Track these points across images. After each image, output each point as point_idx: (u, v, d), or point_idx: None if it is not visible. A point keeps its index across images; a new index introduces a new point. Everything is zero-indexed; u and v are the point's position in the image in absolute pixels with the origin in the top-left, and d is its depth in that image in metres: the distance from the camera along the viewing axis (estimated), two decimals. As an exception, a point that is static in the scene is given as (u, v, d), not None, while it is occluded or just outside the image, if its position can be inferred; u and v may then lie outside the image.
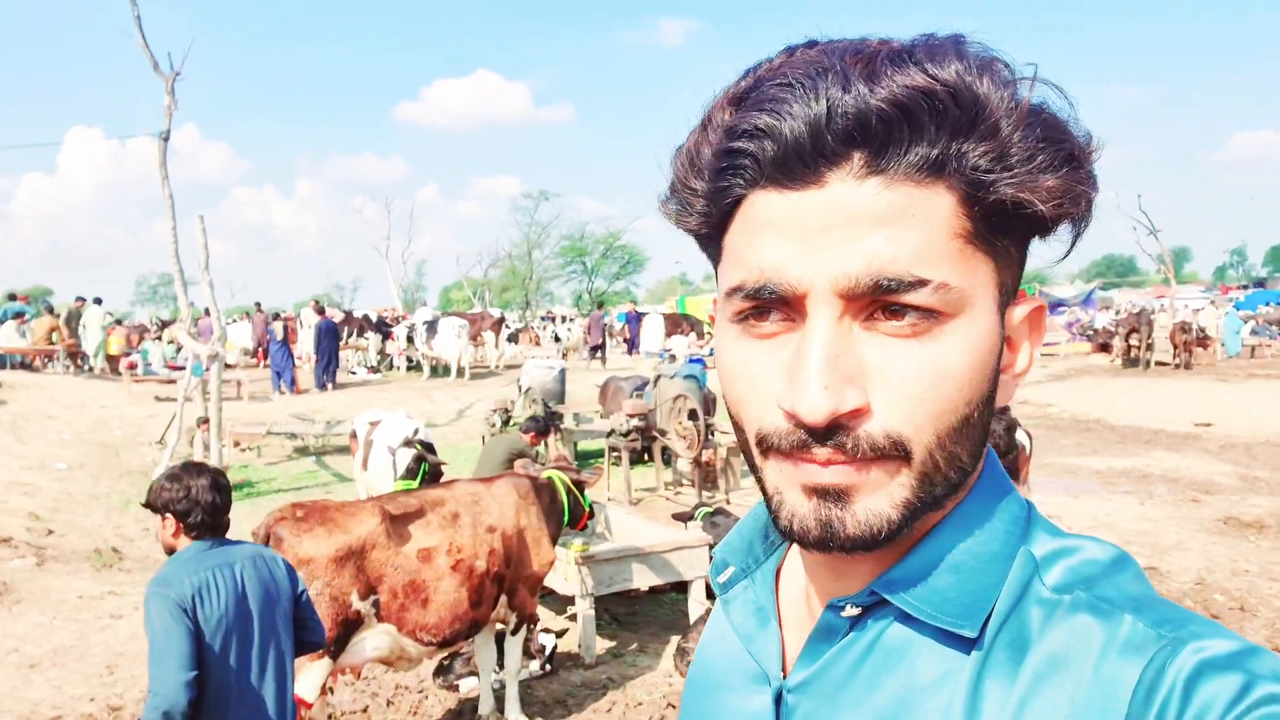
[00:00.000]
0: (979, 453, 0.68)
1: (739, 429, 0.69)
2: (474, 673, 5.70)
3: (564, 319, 36.70)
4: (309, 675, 4.32)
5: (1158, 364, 23.61)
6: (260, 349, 23.32)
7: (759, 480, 0.69)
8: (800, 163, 0.61)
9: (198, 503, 3.07)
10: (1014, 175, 0.60)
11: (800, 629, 0.76)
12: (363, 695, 5.76)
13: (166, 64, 12.59)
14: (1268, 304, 33.78)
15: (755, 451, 0.67)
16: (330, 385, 19.66)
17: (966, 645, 0.65)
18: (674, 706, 5.47)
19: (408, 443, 7.20)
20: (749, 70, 0.66)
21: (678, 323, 27.69)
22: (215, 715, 2.97)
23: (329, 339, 19.73)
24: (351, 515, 4.54)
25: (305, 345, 19.90)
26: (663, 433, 11.10)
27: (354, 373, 22.90)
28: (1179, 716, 0.55)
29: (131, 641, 6.60)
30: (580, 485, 5.72)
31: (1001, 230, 0.64)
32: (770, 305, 0.64)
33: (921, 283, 0.60)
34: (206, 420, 12.27)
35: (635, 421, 11.08)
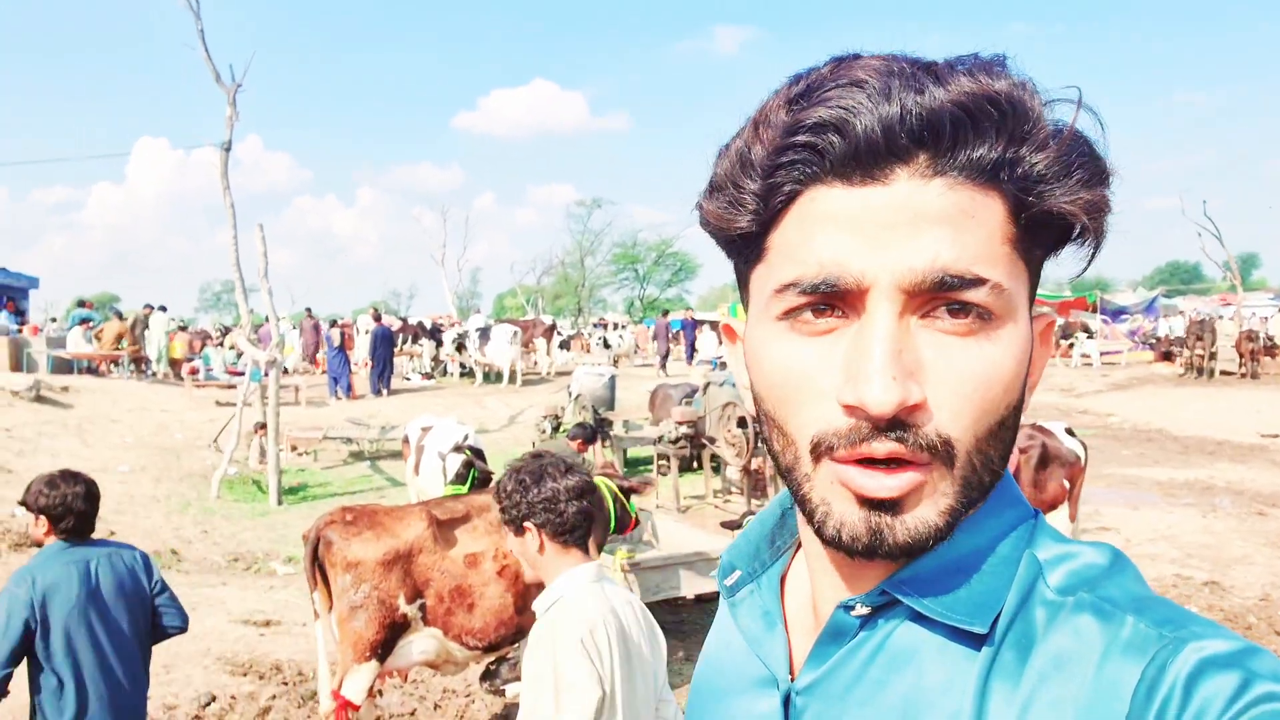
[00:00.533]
0: (1006, 459, 0.68)
1: (782, 434, 0.68)
2: (520, 678, 5.72)
3: (615, 326, 36.79)
4: (355, 678, 4.38)
5: (1223, 373, 22.99)
6: (312, 355, 23.66)
7: (800, 491, 0.68)
8: (870, 159, 0.62)
9: (70, 510, 3.50)
10: (1059, 187, 0.63)
11: (806, 633, 0.77)
12: (410, 699, 5.81)
13: (229, 76, 12.92)
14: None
15: (806, 457, 0.67)
16: (385, 391, 19.89)
17: (975, 646, 0.66)
18: (719, 716, 5.44)
19: (458, 448, 7.27)
20: (798, 76, 0.67)
21: (731, 332, 27.64)
22: (69, 692, 3.45)
23: (384, 345, 19.99)
24: (400, 519, 4.59)
25: (361, 352, 20.15)
26: (712, 440, 11.07)
27: (408, 379, 23.20)
28: (1179, 714, 0.56)
29: (187, 642, 6.72)
30: (628, 492, 5.72)
31: (1037, 241, 0.67)
32: (824, 301, 0.65)
33: (981, 281, 0.62)
34: (264, 425, 12.52)
35: (684, 429, 11.06)
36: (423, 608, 4.57)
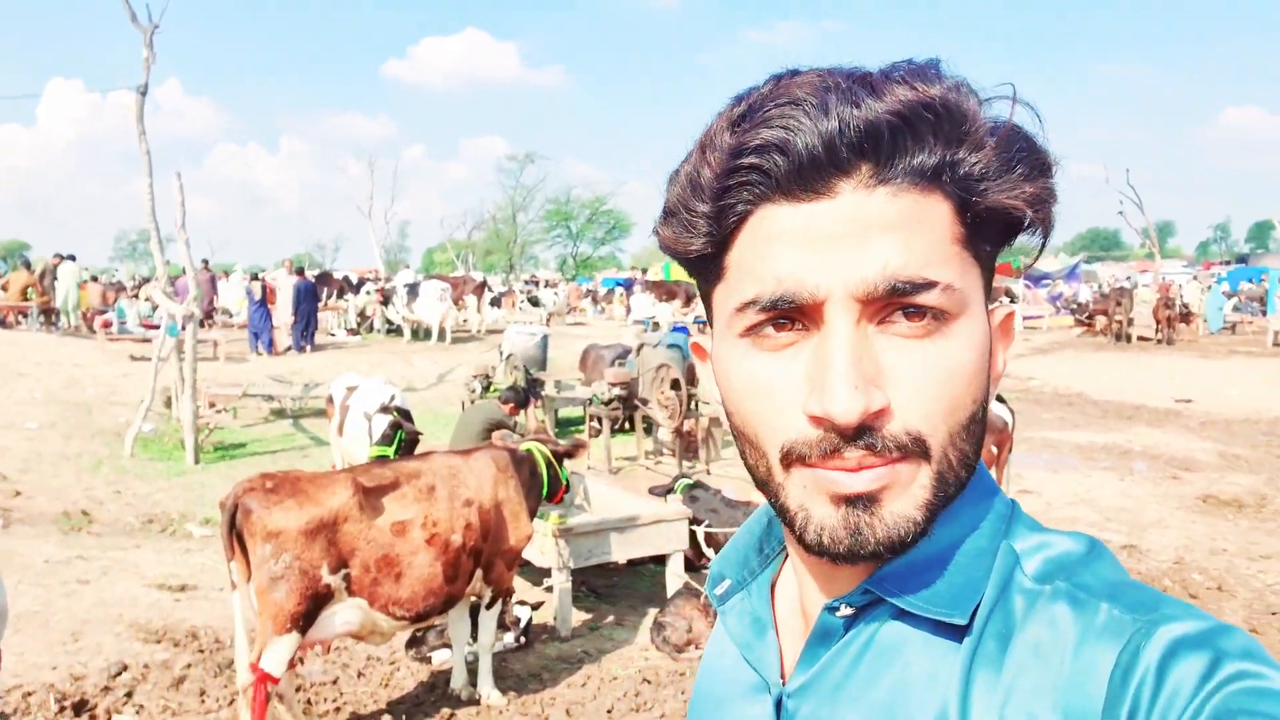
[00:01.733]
0: (979, 451, 0.70)
1: (753, 446, 0.70)
2: (447, 645, 5.61)
3: (547, 283, 36.43)
4: (274, 650, 4.21)
5: (1140, 339, 23.68)
6: (207, 311, 22.41)
7: (778, 501, 0.69)
8: (814, 175, 0.63)
9: None
10: (1001, 183, 0.65)
11: (797, 638, 0.78)
12: (333, 667, 5.66)
13: (145, 16, 12.25)
14: (1249, 280, 33.87)
15: (776, 467, 0.68)
16: (309, 347, 19.43)
17: (957, 637, 0.67)
18: (649, 682, 5.40)
19: (384, 409, 7.04)
20: (740, 97, 0.68)
21: (672, 290, 27.42)
22: None
23: (308, 300, 19.45)
24: (323, 487, 4.40)
25: (285, 308, 19.51)
26: (644, 402, 11.00)
27: (333, 334, 22.66)
28: (1153, 697, 0.57)
29: (97, 608, 6.47)
30: (560, 457, 5.60)
31: (984, 236, 0.68)
32: (783, 315, 0.66)
33: (932, 284, 0.64)
34: (182, 380, 12.09)
35: (617, 390, 10.96)
36: (347, 578, 4.40)
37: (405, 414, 7.87)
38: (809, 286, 0.64)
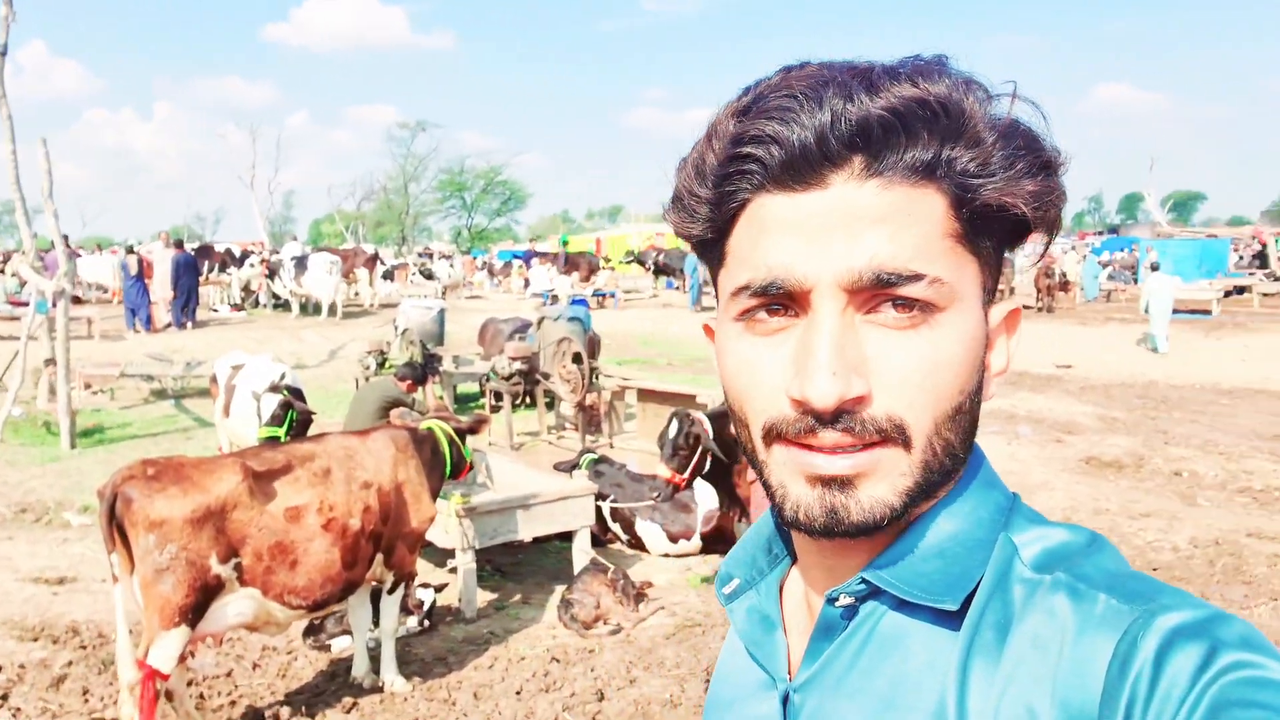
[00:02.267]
0: (969, 443, 0.72)
1: (742, 424, 0.73)
2: (347, 632, 5.42)
3: (441, 256, 35.72)
4: (162, 645, 3.99)
5: (1024, 307, 24.56)
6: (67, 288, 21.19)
7: (763, 477, 0.72)
8: (806, 166, 0.65)
9: None
10: (998, 180, 0.66)
11: (803, 635, 0.79)
12: (227, 659, 5.42)
13: (-1, -31, 11.40)
14: (1122, 250, 35.45)
15: (760, 444, 0.71)
16: (190, 324, 18.64)
17: (955, 627, 0.68)
18: (558, 660, 5.33)
19: (274, 388, 6.73)
20: (748, 88, 0.70)
21: (576, 263, 27.14)
22: None
23: (188, 274, 18.62)
24: (210, 473, 4.17)
25: (163, 283, 18.56)
26: (546, 376, 10.87)
27: (216, 310, 21.75)
28: (1151, 687, 0.57)
29: (-35, 605, 6.06)
30: (462, 434, 5.46)
31: (985, 232, 0.69)
32: (775, 302, 0.68)
33: (918, 277, 0.65)
34: (53, 361, 11.42)
35: (518, 365, 10.79)
36: (238, 567, 4.19)
37: (297, 393, 7.58)
38: (798, 275, 0.66)
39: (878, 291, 0.65)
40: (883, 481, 0.67)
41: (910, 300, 0.65)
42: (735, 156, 0.68)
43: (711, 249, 0.75)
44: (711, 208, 0.71)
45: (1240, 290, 25.16)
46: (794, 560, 0.85)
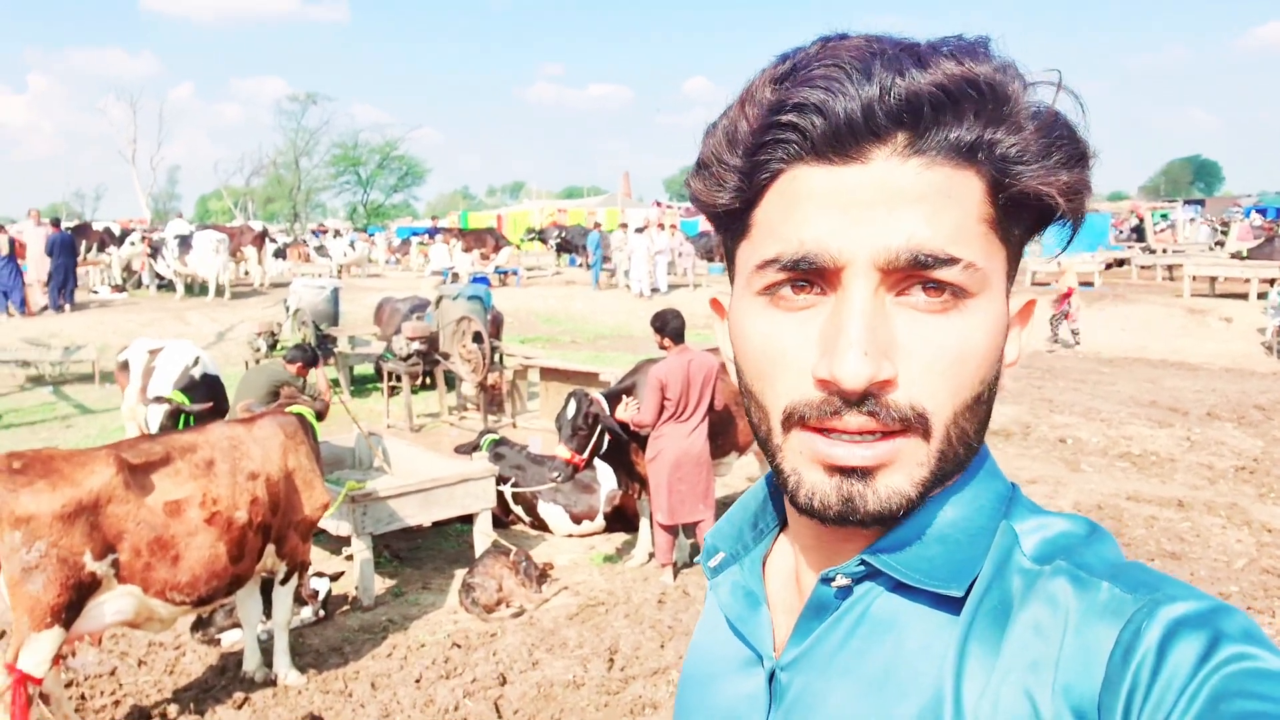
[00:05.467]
0: (982, 434, 0.71)
1: (758, 405, 0.71)
2: (238, 625, 5.24)
3: (337, 233, 34.80)
4: (34, 647, 3.77)
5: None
6: None
7: (774, 461, 0.70)
8: (850, 138, 0.63)
9: None
10: (1036, 168, 0.64)
11: (789, 613, 0.78)
12: (110, 657, 5.18)
13: None
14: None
15: (777, 428, 0.69)
16: (68, 306, 17.76)
17: (953, 612, 0.67)
18: (459, 646, 5.25)
19: (159, 399, 6.37)
20: (785, 56, 0.68)
21: (483, 239, 26.62)
22: None
23: (65, 254, 17.70)
24: (81, 465, 3.95)
25: (38, 264, 17.58)
26: (446, 356, 10.67)
27: (95, 292, 20.76)
28: (1153, 675, 0.57)
29: None
30: (319, 417, 5.33)
31: (1016, 220, 0.68)
32: (803, 277, 0.67)
33: (954, 260, 0.64)
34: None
35: (415, 345, 10.57)
36: (115, 564, 3.99)
37: (212, 380, 7.26)
38: (832, 250, 0.64)
39: (912, 273, 0.64)
40: (900, 472, 0.66)
41: (942, 284, 0.64)
42: (773, 124, 0.65)
43: (735, 220, 0.72)
44: (742, 177, 0.69)
45: (1120, 263, 26.21)
46: (778, 534, 0.86)
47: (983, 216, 0.66)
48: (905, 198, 0.63)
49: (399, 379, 10.95)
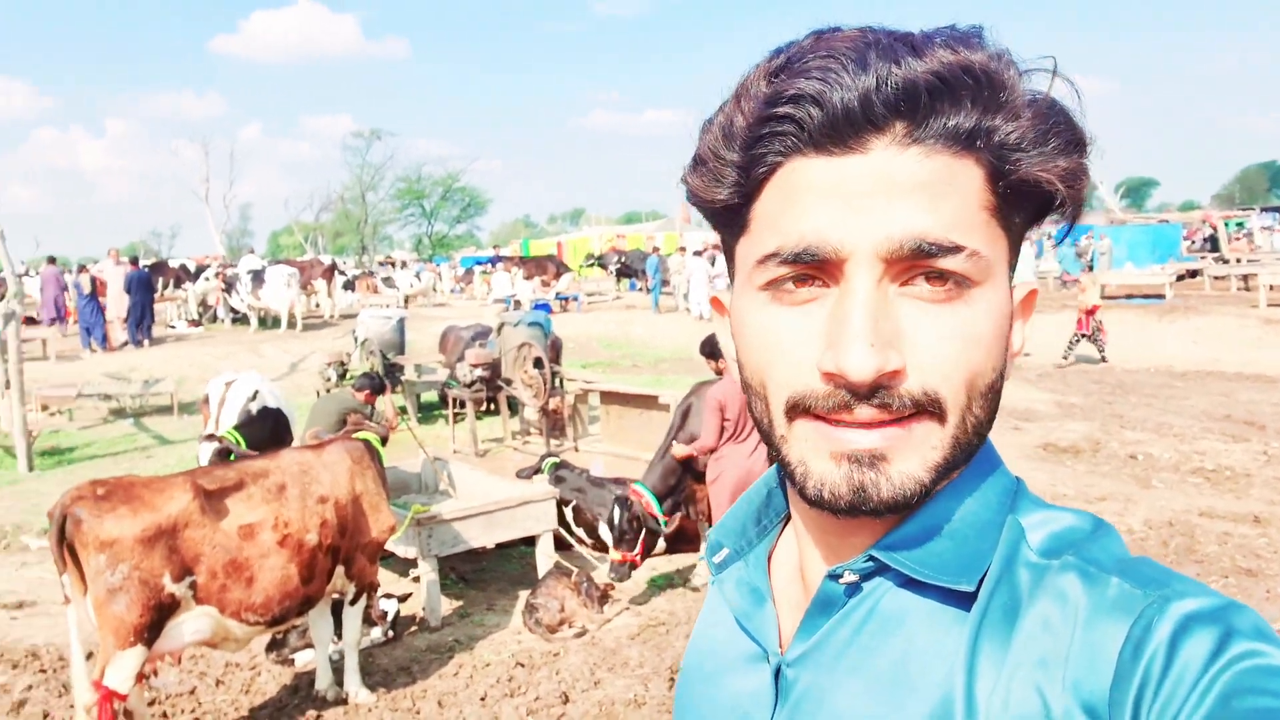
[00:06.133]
0: (992, 421, 0.70)
1: (760, 398, 0.70)
2: (310, 645, 5.41)
3: (403, 264, 35.51)
4: (119, 665, 3.96)
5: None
6: (56, 314, 20.79)
7: (780, 453, 0.69)
8: (848, 128, 0.63)
9: None
10: (1035, 154, 0.64)
11: (794, 609, 0.77)
12: (190, 676, 5.38)
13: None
14: (1086, 237, 35.87)
15: (780, 418, 0.68)
16: (146, 341, 18.41)
17: (963, 606, 0.67)
18: (522, 665, 5.35)
19: (210, 437, 6.59)
20: (779, 50, 0.67)
21: (544, 266, 27.02)
22: None
23: (142, 291, 18.38)
24: (160, 491, 4.15)
25: (117, 301, 18.26)
26: (508, 382, 10.86)
27: (173, 326, 21.50)
28: (1163, 672, 0.57)
29: (-81, 635, 5.97)
30: (384, 441, 5.51)
31: (1017, 208, 0.68)
32: (805, 271, 0.66)
33: (958, 248, 0.63)
34: (7, 384, 11.25)
35: (479, 371, 10.78)
36: (193, 585, 4.17)
37: (267, 413, 7.48)
38: (834, 242, 0.64)
39: (915, 263, 0.64)
40: (914, 455, 0.65)
41: (946, 273, 0.64)
42: (769, 117, 0.65)
43: (733, 216, 0.71)
44: (739, 171, 0.68)
45: (1193, 274, 25.58)
46: (782, 529, 0.85)
47: (984, 204, 0.65)
48: (906, 187, 0.63)
49: (463, 405, 11.16)
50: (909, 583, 0.69)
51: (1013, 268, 0.70)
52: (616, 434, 10.71)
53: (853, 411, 0.64)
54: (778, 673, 0.75)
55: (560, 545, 6.91)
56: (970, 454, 0.69)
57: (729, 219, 0.72)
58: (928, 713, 0.65)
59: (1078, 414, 11.85)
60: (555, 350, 11.45)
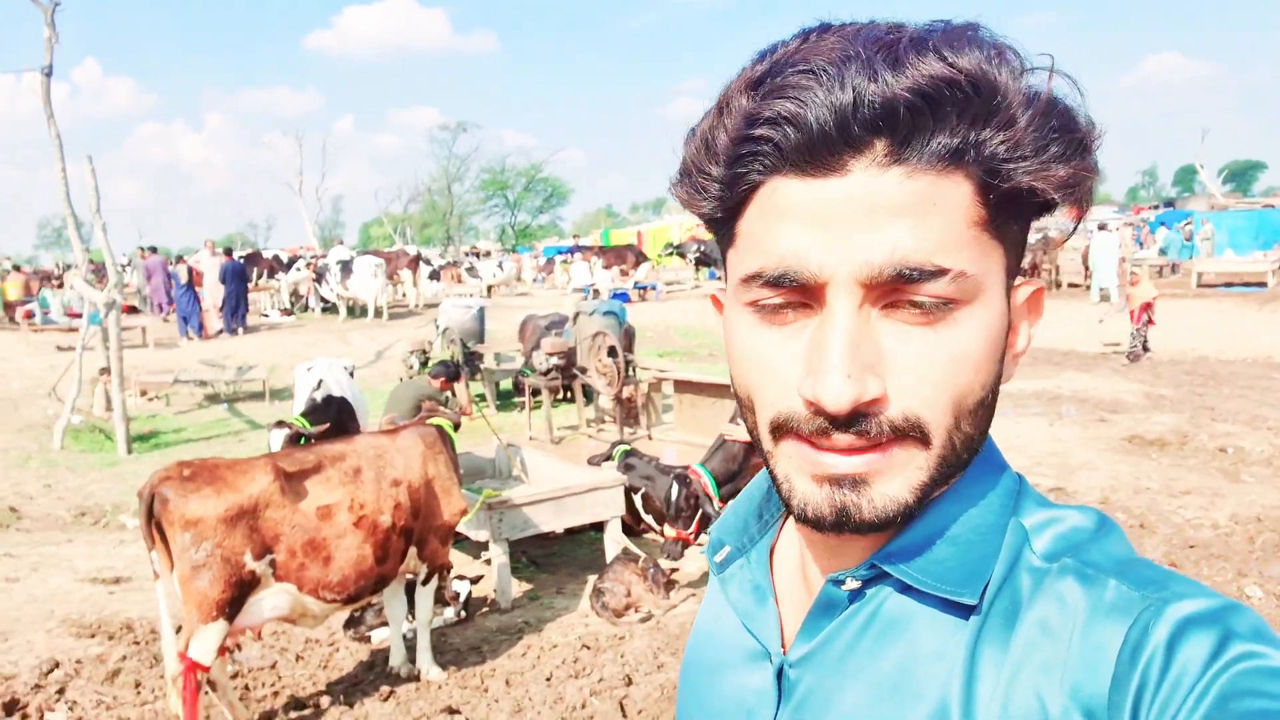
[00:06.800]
0: (986, 432, 0.70)
1: (749, 411, 0.70)
2: (386, 624, 5.60)
3: (487, 254, 36.05)
4: (202, 638, 4.18)
5: (1070, 285, 24.14)
6: (164, 300, 21.81)
7: (769, 465, 0.70)
8: (825, 151, 0.61)
9: None
10: (1029, 164, 0.61)
11: (797, 606, 0.77)
12: (271, 651, 5.62)
13: (44, -7, 11.81)
14: (1181, 223, 34.61)
15: (766, 436, 0.68)
16: (241, 329, 19.10)
17: (964, 614, 0.67)
18: (588, 648, 5.46)
19: (279, 424, 6.80)
20: (764, 54, 0.66)
21: (623, 256, 27.20)
22: None
23: (236, 281, 19.07)
24: (242, 473, 4.35)
25: (213, 291, 18.99)
26: (583, 370, 11.00)
27: (266, 315, 22.25)
28: (1161, 674, 0.57)
29: (28, 605, 6.35)
30: (456, 427, 5.66)
31: (1011, 216, 0.65)
32: (789, 292, 0.65)
33: (942, 272, 0.61)
34: (108, 370, 11.81)
35: (554, 360, 10.94)
36: (273, 563, 4.37)
37: (330, 401, 7.67)
38: (812, 267, 0.62)
39: (898, 287, 0.62)
40: (897, 478, 0.64)
41: (931, 296, 0.62)
42: (748, 138, 0.63)
43: (720, 227, 0.71)
44: (722, 187, 0.67)
45: (1299, 261, 24.43)
46: (784, 522, 0.85)
47: (972, 220, 0.63)
48: (887, 210, 0.61)
49: (538, 393, 11.34)
50: (911, 587, 0.69)
51: (1013, 272, 0.68)
52: (690, 422, 10.76)
53: (831, 438, 0.63)
54: (780, 673, 0.75)
55: (630, 531, 7.00)
56: (962, 468, 0.68)
57: (716, 229, 0.72)
58: (928, 717, 0.65)
59: (1167, 406, 11.48)
60: (628, 339, 11.54)
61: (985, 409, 0.67)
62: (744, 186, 0.66)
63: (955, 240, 0.62)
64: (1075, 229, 0.74)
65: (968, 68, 0.60)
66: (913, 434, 0.63)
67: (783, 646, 0.77)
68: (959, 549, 0.68)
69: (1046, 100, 0.61)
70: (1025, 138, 0.61)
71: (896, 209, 0.61)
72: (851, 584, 0.71)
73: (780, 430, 0.66)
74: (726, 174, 0.66)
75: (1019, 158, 0.61)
